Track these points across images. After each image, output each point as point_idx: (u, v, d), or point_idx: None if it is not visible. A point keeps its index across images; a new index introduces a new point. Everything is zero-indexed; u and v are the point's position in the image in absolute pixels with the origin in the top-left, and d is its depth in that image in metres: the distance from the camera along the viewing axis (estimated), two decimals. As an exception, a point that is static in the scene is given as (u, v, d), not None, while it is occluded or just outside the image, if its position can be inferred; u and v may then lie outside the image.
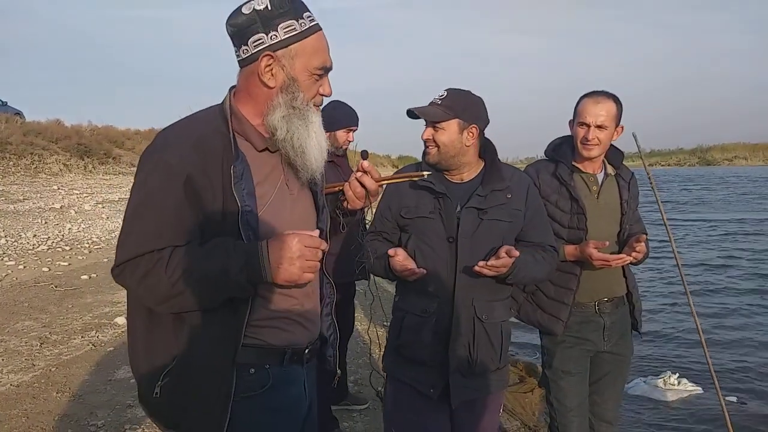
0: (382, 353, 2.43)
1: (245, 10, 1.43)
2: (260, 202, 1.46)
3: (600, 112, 2.46)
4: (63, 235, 11.03)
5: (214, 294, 1.37)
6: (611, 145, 2.59)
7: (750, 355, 5.89)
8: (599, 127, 2.46)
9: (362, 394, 4.17)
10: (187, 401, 1.44)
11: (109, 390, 4.08)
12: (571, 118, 2.58)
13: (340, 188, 1.69)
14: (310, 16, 1.46)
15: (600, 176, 2.61)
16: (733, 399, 4.71)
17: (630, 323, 2.74)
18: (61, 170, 19.90)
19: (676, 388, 4.93)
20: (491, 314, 2.18)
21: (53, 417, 3.63)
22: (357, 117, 3.34)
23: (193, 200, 1.38)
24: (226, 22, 1.46)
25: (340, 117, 3.28)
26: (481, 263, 2.03)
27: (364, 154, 1.73)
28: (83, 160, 21.85)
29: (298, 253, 1.32)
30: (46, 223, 12.13)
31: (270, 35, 1.42)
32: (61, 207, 14.39)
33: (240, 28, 1.44)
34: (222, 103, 1.53)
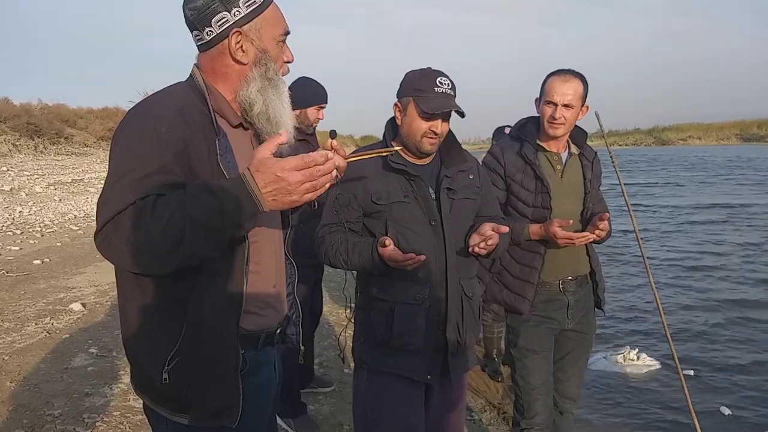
0: (344, 334, 2.38)
1: None
2: None
3: (567, 91, 2.46)
4: (13, 219, 10.65)
5: (210, 238, 1.27)
6: (575, 124, 2.59)
7: (708, 329, 6.05)
8: (566, 106, 2.46)
9: (327, 377, 4.16)
10: (199, 379, 1.40)
11: (65, 378, 3.96)
12: (537, 96, 2.58)
13: None
14: None
15: (564, 155, 2.62)
16: (691, 372, 4.86)
17: (593, 301, 2.78)
18: (10, 151, 19.14)
19: (636, 363, 5.06)
20: (474, 291, 2.20)
21: (7, 407, 3.51)
22: (326, 94, 3.31)
23: (186, 169, 1.33)
24: (184, 6, 1.43)
25: (310, 95, 3.24)
26: (482, 244, 2.00)
27: (333, 134, 1.70)
28: (33, 140, 21.05)
29: (298, 178, 1.24)
30: (-6, 206, 11.69)
31: (233, 12, 1.40)
32: (10, 189, 13.87)
33: (200, 11, 1.41)
34: (189, 80, 1.49)
